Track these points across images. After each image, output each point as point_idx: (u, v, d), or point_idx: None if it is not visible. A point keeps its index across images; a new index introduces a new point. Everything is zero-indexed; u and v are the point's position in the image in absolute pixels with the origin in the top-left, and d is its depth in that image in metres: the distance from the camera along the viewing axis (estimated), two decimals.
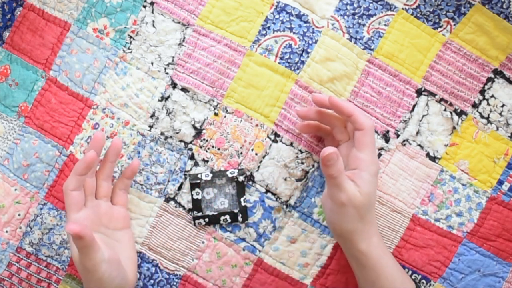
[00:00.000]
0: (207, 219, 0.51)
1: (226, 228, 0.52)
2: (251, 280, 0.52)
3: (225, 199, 0.52)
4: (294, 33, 0.51)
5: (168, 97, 0.51)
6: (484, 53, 0.51)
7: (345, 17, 0.51)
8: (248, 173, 0.51)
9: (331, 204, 0.45)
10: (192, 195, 0.51)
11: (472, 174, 0.52)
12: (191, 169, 0.51)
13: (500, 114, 0.51)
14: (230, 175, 0.50)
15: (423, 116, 0.51)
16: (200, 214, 0.51)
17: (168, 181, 0.52)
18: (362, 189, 0.43)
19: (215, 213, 0.51)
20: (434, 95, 0.51)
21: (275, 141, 0.51)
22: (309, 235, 0.52)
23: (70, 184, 0.45)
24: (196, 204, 0.51)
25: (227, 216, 0.51)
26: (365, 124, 0.44)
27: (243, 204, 0.51)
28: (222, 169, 0.51)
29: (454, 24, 0.51)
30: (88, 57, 0.52)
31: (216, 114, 0.51)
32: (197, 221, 0.51)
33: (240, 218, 0.51)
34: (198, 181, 0.50)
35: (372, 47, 0.51)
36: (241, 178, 0.50)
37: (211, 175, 0.50)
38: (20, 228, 0.53)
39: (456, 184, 0.51)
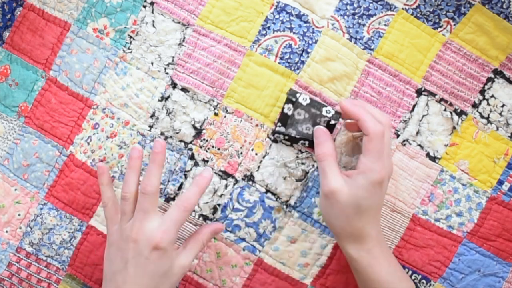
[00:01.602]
0: (287, 137, 0.50)
1: (226, 228, 0.52)
2: (251, 280, 0.52)
3: (312, 127, 0.49)
4: (294, 33, 0.51)
5: (168, 97, 0.51)
6: (484, 53, 0.51)
7: (345, 17, 0.51)
8: (334, 122, 0.49)
9: (320, 195, 0.45)
10: (283, 108, 0.49)
11: (472, 174, 0.52)
12: (191, 169, 0.51)
13: (500, 114, 0.51)
14: (324, 113, 0.49)
15: (423, 116, 0.51)
16: (283, 129, 0.49)
17: (168, 181, 0.52)
18: (351, 189, 0.43)
19: (297, 136, 0.49)
20: (434, 95, 0.51)
21: (275, 141, 0.51)
22: (309, 235, 0.52)
23: (158, 185, 0.45)
24: (284, 119, 0.49)
25: (307, 142, 0.50)
26: (370, 130, 0.43)
27: None
28: (318, 104, 0.49)
29: (454, 24, 0.51)
30: (88, 57, 0.52)
31: (216, 114, 0.51)
32: (276, 135, 0.50)
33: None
34: (294, 99, 0.49)
35: (372, 47, 0.51)
36: (332, 122, 0.48)
37: (309, 101, 0.49)
38: (20, 228, 0.53)
39: (456, 184, 0.51)
